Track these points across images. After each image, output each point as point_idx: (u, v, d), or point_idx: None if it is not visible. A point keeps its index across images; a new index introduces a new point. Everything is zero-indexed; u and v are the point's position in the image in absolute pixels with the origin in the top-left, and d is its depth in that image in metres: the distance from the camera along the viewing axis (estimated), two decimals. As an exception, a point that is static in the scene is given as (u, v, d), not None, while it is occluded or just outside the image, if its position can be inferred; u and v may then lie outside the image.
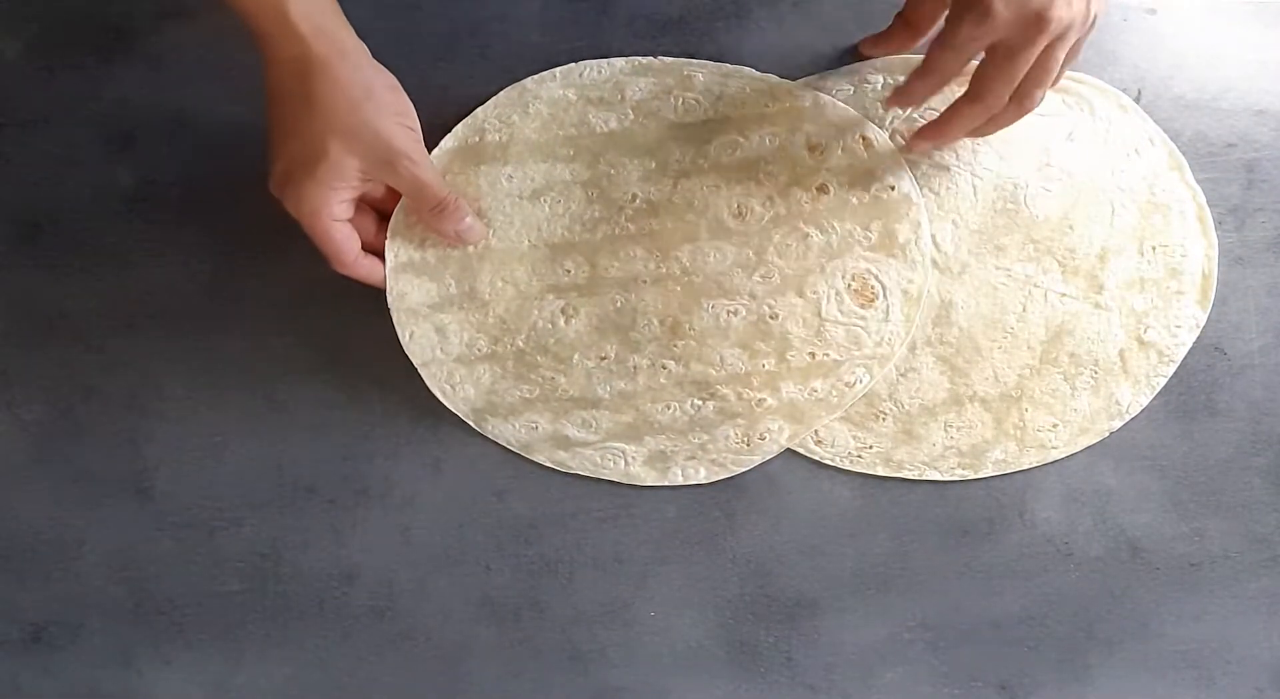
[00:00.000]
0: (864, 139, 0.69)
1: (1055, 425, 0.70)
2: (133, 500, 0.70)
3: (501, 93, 0.70)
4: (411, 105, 0.64)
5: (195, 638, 0.69)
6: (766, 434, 0.69)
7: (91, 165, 0.70)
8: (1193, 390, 0.72)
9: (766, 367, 0.68)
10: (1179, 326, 0.71)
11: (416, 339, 0.69)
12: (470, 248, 0.69)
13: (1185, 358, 0.71)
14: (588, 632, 0.70)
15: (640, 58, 0.70)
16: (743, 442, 0.69)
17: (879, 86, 0.70)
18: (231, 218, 0.70)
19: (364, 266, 0.66)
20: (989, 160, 0.69)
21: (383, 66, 0.63)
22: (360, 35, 0.63)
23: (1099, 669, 0.71)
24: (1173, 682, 0.71)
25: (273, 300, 0.70)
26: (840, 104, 0.69)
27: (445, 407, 0.69)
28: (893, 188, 0.68)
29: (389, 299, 0.68)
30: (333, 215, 0.62)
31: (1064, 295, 0.70)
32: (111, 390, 0.70)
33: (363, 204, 0.66)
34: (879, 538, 0.71)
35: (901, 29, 0.68)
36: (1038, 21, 0.57)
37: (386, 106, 0.62)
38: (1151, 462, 0.71)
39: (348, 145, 0.61)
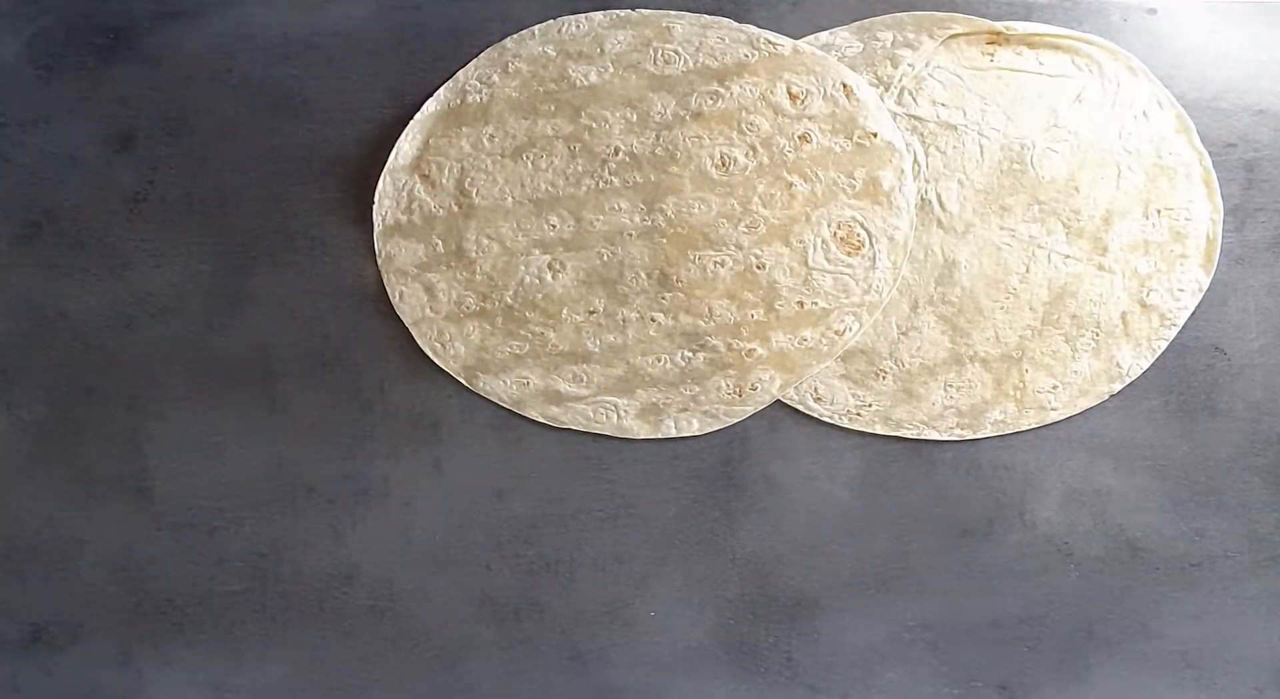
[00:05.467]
0: (845, 87, 0.69)
1: (1055, 387, 0.70)
2: (133, 500, 0.70)
3: (482, 54, 0.70)
4: None
5: (195, 638, 0.69)
6: (758, 384, 0.69)
7: (91, 165, 0.71)
8: (1193, 390, 0.72)
9: (755, 316, 0.69)
10: (1182, 290, 0.71)
11: (406, 299, 0.69)
12: (455, 208, 0.69)
13: (1185, 358, 0.71)
14: (588, 632, 0.70)
15: (618, 10, 0.70)
16: (734, 392, 0.69)
17: (888, 43, 0.70)
18: (231, 218, 0.70)
19: None
20: (996, 120, 0.70)
21: None
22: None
23: (1099, 669, 0.71)
24: (1173, 682, 0.71)
25: (272, 300, 0.70)
26: (819, 52, 0.69)
27: (444, 407, 0.70)
28: (875, 135, 0.68)
29: (379, 261, 0.68)
30: None
31: (1067, 257, 0.70)
32: (111, 390, 0.70)
33: None
34: (879, 538, 0.71)
35: None
36: None
37: None
38: (1151, 462, 0.71)
39: None
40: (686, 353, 0.69)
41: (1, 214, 0.70)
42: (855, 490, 0.71)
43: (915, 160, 0.70)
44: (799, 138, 0.69)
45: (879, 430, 0.70)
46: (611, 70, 0.69)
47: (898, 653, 0.71)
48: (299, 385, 0.70)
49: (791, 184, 0.69)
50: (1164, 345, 0.71)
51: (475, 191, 0.69)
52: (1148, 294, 0.71)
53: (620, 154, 0.69)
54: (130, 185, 0.71)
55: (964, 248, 0.70)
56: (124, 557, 0.70)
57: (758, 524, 0.71)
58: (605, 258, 0.69)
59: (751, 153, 0.69)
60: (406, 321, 0.69)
